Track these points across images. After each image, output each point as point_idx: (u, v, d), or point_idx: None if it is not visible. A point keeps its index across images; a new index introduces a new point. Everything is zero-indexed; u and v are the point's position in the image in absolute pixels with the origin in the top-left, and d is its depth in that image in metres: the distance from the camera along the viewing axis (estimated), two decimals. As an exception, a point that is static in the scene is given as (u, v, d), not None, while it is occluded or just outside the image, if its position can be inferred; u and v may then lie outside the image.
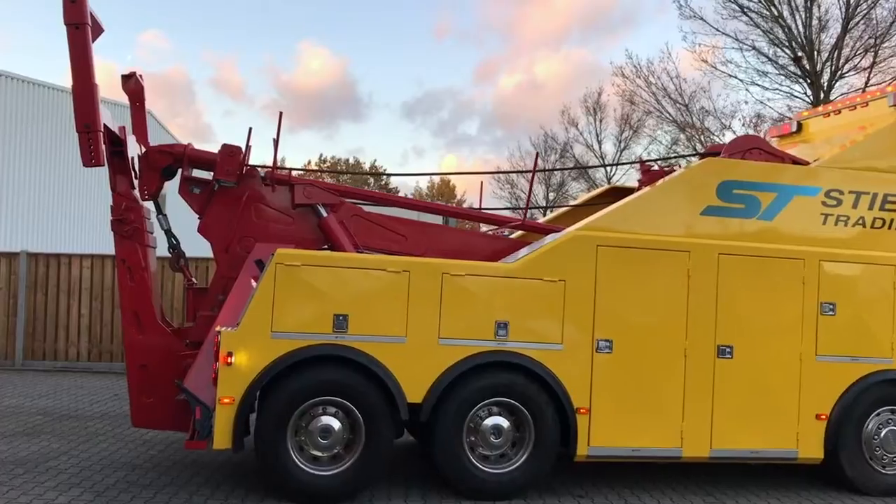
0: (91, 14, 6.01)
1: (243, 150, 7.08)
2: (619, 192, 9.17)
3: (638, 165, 8.91)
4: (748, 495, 7.14)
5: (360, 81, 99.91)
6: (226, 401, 6.04)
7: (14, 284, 13.96)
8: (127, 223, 6.80)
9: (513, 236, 8.37)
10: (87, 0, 5.94)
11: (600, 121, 40.31)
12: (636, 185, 8.79)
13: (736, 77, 21.72)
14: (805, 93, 20.30)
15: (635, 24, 62.33)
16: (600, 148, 40.63)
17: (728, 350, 6.93)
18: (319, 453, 6.27)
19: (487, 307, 6.52)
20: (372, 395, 6.28)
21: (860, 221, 7.28)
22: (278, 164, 7.30)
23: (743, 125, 21.94)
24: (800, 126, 9.34)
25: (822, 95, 19.89)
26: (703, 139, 22.47)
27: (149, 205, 7.29)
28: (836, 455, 7.16)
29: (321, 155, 74.71)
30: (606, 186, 9.46)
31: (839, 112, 8.83)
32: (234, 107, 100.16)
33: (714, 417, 6.88)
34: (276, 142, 6.93)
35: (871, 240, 7.29)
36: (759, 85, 21.37)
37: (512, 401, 6.55)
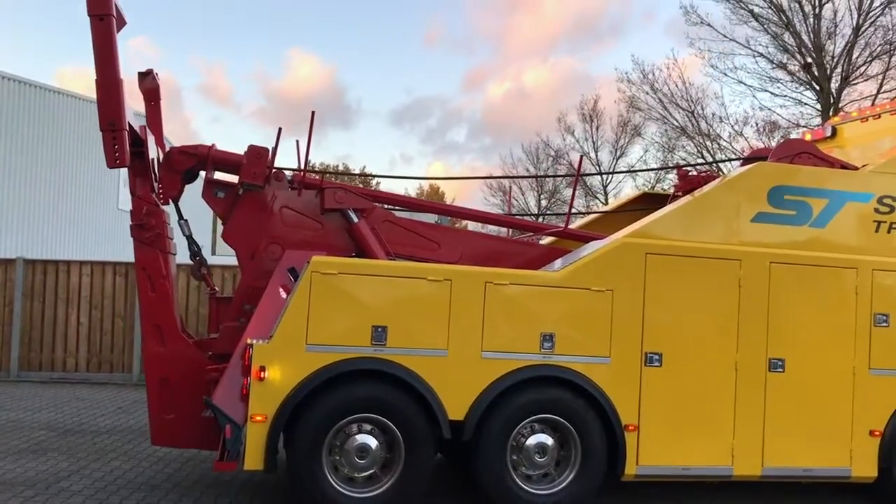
0: (115, 4, 5.63)
1: (270, 151, 6.70)
2: (651, 199, 8.90)
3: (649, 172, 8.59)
4: (799, 515, 6.83)
5: (349, 88, 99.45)
6: (258, 418, 5.65)
7: (10, 292, 13.49)
8: (148, 229, 6.40)
9: (542, 242, 8.03)
10: (112, -11, 5.56)
11: (597, 128, 40.11)
12: (671, 190, 8.48)
13: (744, 83, 21.56)
14: (817, 99, 20.16)
15: (623, 34, 62.47)
16: (597, 156, 40.44)
17: (780, 363, 6.61)
18: (355, 474, 5.90)
19: (532, 318, 6.18)
20: (412, 413, 5.91)
21: (913, 229, 6.99)
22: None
23: (756, 132, 21.80)
24: (834, 131, 9.05)
25: (831, 101, 19.77)
26: (710, 146, 22.30)
27: (168, 209, 6.89)
28: (891, 473, 6.85)
29: (310, 161, 73.95)
30: (639, 192, 9.14)
31: (879, 116, 8.55)
32: (222, 113, 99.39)
33: (766, 434, 6.56)
34: (307, 143, 6.56)
35: (925, 248, 7.00)
36: (768, 91, 21.24)
37: (557, 417, 6.21)
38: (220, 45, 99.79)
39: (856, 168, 7.24)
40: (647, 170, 22.24)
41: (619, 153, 39.68)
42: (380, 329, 5.90)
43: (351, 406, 5.86)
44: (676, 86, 23.51)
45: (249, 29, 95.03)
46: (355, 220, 6.83)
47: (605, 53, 65.57)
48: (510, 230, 8.24)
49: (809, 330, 6.71)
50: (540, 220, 24.01)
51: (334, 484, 5.83)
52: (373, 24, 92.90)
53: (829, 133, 9.04)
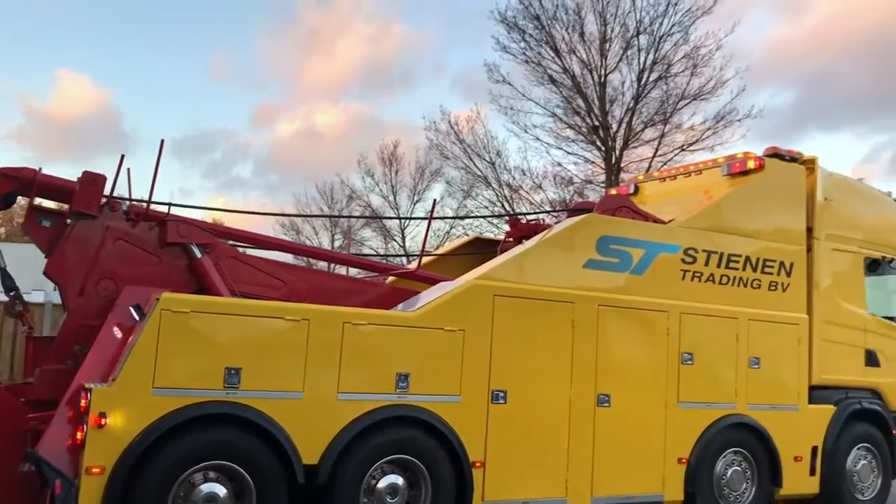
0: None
1: (108, 179, 6.22)
2: (483, 243, 9.35)
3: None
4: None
5: (125, 115, 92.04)
6: (95, 470, 5.13)
7: None
8: (-44, 259, 5.64)
9: (388, 281, 8.13)
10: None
11: (396, 172, 41.10)
12: (502, 236, 8.98)
13: (540, 140, 23.36)
14: (603, 159, 22.31)
15: (413, 84, 64.66)
16: (395, 199, 41.37)
17: (606, 399, 7.18)
18: (201, 527, 5.52)
19: (389, 358, 6.22)
20: (265, 458, 5.68)
21: (710, 278, 7.97)
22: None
23: (554, 185, 23.62)
24: (637, 188, 10.11)
25: (613, 161, 22.00)
26: (510, 196, 23.77)
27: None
28: (694, 497, 7.63)
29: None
30: (471, 236, 9.57)
31: (675, 178, 9.70)
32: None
33: (594, 465, 7.06)
34: (154, 173, 6.17)
35: (719, 295, 7.99)
36: (562, 149, 23.20)
37: (409, 457, 6.25)
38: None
39: (664, 222, 8.12)
40: (478, 217, 23.21)
41: (416, 198, 40.90)
42: (233, 371, 5.64)
43: (201, 453, 5.51)
44: (480, 137, 24.95)
45: (12, 47, 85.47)
46: (198, 255, 6.51)
47: (397, 101, 67.28)
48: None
49: (630, 367, 7.37)
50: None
51: (180, 541, 5.42)
52: (156, 51, 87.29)
53: (632, 190, 10.07)
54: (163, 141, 6.09)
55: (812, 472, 8.37)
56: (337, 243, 45.77)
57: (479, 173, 24.62)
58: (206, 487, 5.55)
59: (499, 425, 6.62)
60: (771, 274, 8.37)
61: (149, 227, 6.55)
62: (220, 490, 5.57)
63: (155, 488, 5.33)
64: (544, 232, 7.58)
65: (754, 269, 8.27)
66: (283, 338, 5.85)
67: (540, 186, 23.32)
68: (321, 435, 5.90)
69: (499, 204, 23.97)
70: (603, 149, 22.33)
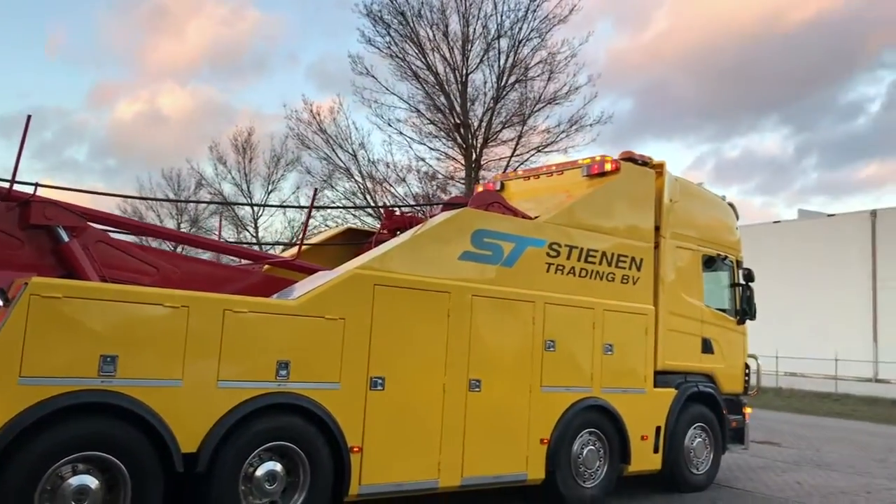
0: None
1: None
2: (355, 234, 9.47)
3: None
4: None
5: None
6: (-47, 466, 4.81)
7: None
8: None
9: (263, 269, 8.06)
10: None
11: (250, 160, 40.12)
12: (377, 227, 9.12)
13: (404, 134, 23.64)
14: (464, 156, 22.91)
15: (266, 71, 63.09)
16: (248, 187, 40.40)
17: (477, 384, 7.53)
18: (71, 524, 5.30)
19: (269, 346, 6.23)
20: (142, 447, 5.54)
21: (572, 271, 8.52)
22: None
23: (418, 180, 23.94)
24: (503, 185, 10.60)
25: (473, 158, 22.67)
26: (372, 188, 23.86)
27: None
28: (554, 475, 8.16)
29: None
30: (344, 227, 9.64)
31: (538, 177, 10.26)
32: None
33: (465, 447, 7.39)
34: (19, 151, 5.80)
35: (579, 286, 8.57)
36: (425, 144, 23.60)
37: (288, 444, 6.30)
38: None
39: (532, 218, 8.59)
40: (350, 207, 22.96)
41: (271, 187, 40.14)
42: (109, 358, 5.45)
43: (71, 444, 5.29)
44: (342, 128, 24.86)
45: None
46: (66, 238, 6.20)
47: (249, 87, 65.28)
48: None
49: (499, 354, 7.76)
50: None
51: (48, 538, 5.18)
52: (-16, 18, 79.48)
53: (498, 187, 10.53)
54: (29, 117, 5.73)
55: (656, 450, 9.17)
56: (184, 230, 44.07)
57: (340, 164, 24.60)
58: (76, 480, 5.33)
59: (376, 411, 6.79)
60: (624, 268, 9.06)
61: (7, 208, 6.15)
62: (92, 482, 5.38)
63: (20, 484, 5.07)
64: (421, 224, 7.83)
65: (609, 264, 8.92)
66: (161, 324, 5.72)
67: (404, 180, 23.67)
68: (200, 423, 5.82)
69: (360, 195, 24.08)
70: (464, 146, 22.96)
